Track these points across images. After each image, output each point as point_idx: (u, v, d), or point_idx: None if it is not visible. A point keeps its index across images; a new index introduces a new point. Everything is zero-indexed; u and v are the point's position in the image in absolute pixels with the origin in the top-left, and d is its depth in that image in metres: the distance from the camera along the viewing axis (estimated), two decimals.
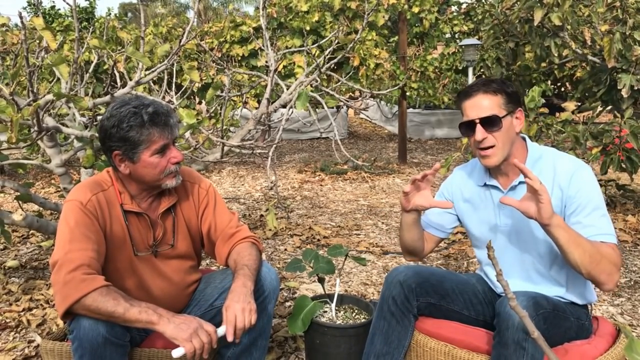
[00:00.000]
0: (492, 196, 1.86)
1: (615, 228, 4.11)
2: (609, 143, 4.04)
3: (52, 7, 14.87)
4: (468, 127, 1.75)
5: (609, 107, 4.70)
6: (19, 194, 3.05)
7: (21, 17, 2.07)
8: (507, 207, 1.80)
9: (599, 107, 4.47)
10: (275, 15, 7.68)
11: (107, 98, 2.79)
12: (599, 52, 4.48)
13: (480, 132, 1.72)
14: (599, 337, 1.78)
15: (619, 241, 3.95)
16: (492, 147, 1.73)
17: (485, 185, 1.87)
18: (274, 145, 3.09)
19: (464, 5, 9.74)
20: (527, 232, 1.77)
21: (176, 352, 1.48)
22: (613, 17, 4.38)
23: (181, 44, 2.88)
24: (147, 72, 2.93)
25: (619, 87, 4.22)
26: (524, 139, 1.82)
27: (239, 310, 1.57)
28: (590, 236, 1.61)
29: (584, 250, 1.54)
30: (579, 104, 4.78)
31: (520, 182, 1.76)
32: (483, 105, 1.72)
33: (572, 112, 4.22)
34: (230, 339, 1.56)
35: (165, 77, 3.39)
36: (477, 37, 8.67)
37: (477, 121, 1.72)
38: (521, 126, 1.76)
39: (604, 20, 4.39)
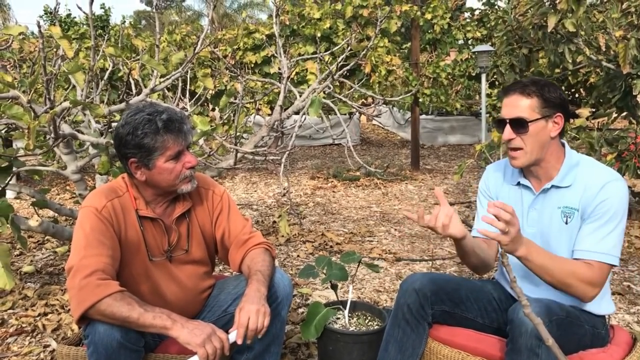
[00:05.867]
0: (522, 197, 1.84)
1: (630, 235, 4.09)
2: (624, 150, 4.00)
3: (68, 16, 15.03)
4: (499, 125, 1.78)
5: (624, 114, 4.65)
6: (35, 200, 3.09)
7: (39, 26, 2.11)
8: (535, 211, 1.80)
9: (613, 113, 4.43)
10: (287, 23, 7.72)
11: (122, 105, 2.82)
12: (614, 58, 4.43)
13: (507, 132, 1.74)
14: (615, 345, 1.76)
15: (635, 249, 3.90)
16: (520, 149, 1.73)
17: (518, 184, 1.86)
18: (287, 152, 3.10)
19: (476, 12, 9.73)
20: (552, 240, 1.76)
21: None
22: (628, 22, 4.34)
23: (196, 51, 2.90)
24: (162, 80, 2.96)
25: (634, 93, 4.17)
26: (563, 144, 1.80)
27: (252, 312, 1.57)
28: (579, 250, 1.66)
29: (552, 276, 1.61)
30: (594, 110, 4.74)
31: (553, 186, 1.75)
32: (515, 105, 1.73)
33: (587, 119, 4.19)
34: (239, 341, 1.56)
35: (180, 85, 3.42)
36: (490, 43, 8.65)
37: (507, 121, 1.73)
38: (558, 131, 1.72)
39: (618, 26, 4.35)
